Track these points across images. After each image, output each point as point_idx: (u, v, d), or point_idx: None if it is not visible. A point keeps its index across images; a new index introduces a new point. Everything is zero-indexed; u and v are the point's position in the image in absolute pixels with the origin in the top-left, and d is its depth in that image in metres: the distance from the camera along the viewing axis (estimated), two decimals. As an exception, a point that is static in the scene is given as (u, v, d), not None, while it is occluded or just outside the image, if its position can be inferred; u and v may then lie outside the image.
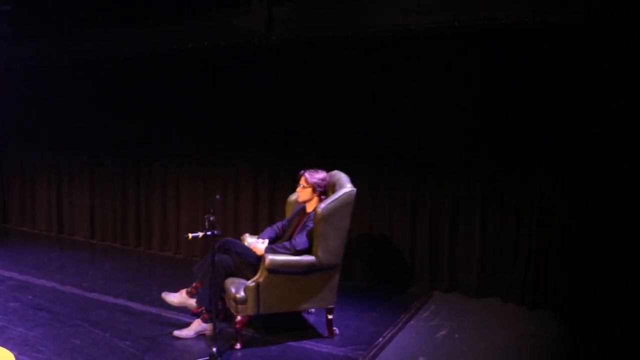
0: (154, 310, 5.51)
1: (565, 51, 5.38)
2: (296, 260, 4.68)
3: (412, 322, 5.33)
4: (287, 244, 4.80)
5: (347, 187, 4.83)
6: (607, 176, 5.20)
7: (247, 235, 5.47)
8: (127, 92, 7.98)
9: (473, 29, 5.63)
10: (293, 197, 5.49)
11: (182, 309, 5.27)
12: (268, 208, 6.99)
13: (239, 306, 4.63)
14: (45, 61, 8.44)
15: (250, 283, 4.63)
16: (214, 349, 4.32)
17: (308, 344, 4.79)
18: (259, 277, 4.63)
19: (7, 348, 3.82)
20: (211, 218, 4.32)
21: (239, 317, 4.66)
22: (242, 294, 4.61)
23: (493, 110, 5.77)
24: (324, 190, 5.02)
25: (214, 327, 4.51)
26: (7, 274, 6.64)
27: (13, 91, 9.12)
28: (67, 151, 8.70)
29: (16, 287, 6.16)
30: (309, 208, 5.04)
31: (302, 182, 5.01)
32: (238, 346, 4.67)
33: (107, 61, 7.94)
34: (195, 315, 5.10)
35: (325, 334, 4.96)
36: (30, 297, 5.84)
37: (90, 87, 8.31)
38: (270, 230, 5.32)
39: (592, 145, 5.26)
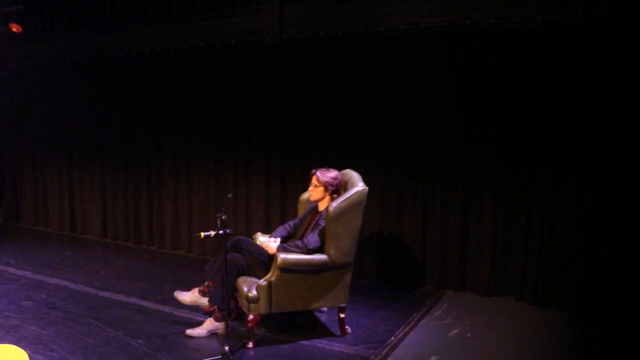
0: (166, 309, 5.53)
1: (576, 49, 5.35)
2: (308, 259, 4.68)
3: (424, 321, 5.32)
4: (299, 242, 4.80)
5: (359, 185, 4.83)
6: (619, 175, 5.16)
7: (259, 234, 5.48)
8: (137, 91, 8.00)
9: (485, 27, 5.59)
10: (305, 195, 5.49)
11: (195, 308, 5.30)
12: (280, 207, 7.00)
13: (251, 305, 4.63)
14: (56, 60, 8.47)
15: (262, 282, 4.63)
16: (226, 348, 4.33)
17: (320, 343, 4.80)
18: (271, 275, 4.64)
19: (21, 347, 3.83)
20: (223, 217, 4.32)
21: (251, 316, 4.67)
22: (254, 292, 4.62)
23: (503, 110, 5.75)
24: (335, 189, 5.02)
25: (226, 326, 4.50)
26: (20, 272, 6.69)
27: (25, 90, 9.18)
28: (79, 150, 8.74)
29: (29, 286, 6.20)
30: (321, 207, 5.03)
31: (314, 181, 5.01)
32: (250, 345, 4.68)
33: (118, 60, 7.95)
34: (208, 314, 5.12)
35: (337, 332, 4.96)
36: (43, 296, 5.88)
37: (101, 86, 8.35)
38: (282, 229, 5.32)
39: (602, 144, 5.22)
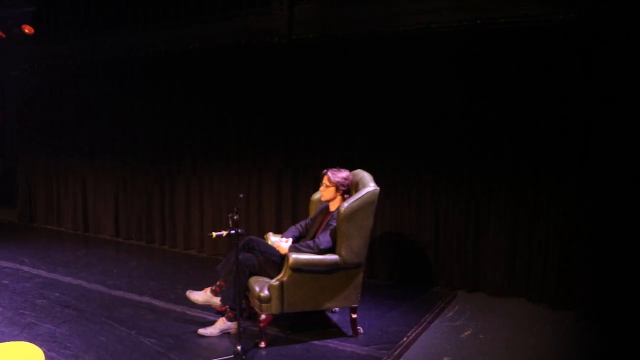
0: (178, 308, 5.55)
1: (589, 49, 5.32)
2: (320, 259, 4.68)
3: (436, 322, 5.30)
4: (310, 242, 4.80)
5: (370, 186, 4.82)
6: (631, 175, 5.13)
7: (270, 234, 5.47)
8: (149, 91, 8.04)
9: (496, 27, 5.59)
10: (316, 196, 5.49)
11: (207, 307, 5.31)
12: (291, 207, 7.00)
13: (263, 305, 4.64)
14: (68, 61, 8.57)
15: (274, 282, 4.63)
16: (238, 347, 4.33)
17: (332, 343, 4.79)
18: (283, 275, 4.64)
19: (36, 344, 3.86)
20: (235, 217, 4.33)
21: (263, 316, 4.67)
22: (266, 292, 4.62)
23: (516, 109, 5.71)
24: (347, 189, 5.01)
25: (238, 326, 4.52)
26: (34, 271, 6.74)
27: (37, 91, 9.26)
28: (92, 150, 8.80)
29: (43, 284, 6.25)
30: (332, 207, 5.03)
31: (325, 181, 5.00)
32: (262, 344, 4.68)
33: (131, 60, 8.01)
34: (220, 313, 5.13)
35: (349, 333, 4.95)
36: (57, 294, 5.92)
37: (113, 87, 8.40)
38: (293, 229, 5.32)
39: (616, 146, 5.19)
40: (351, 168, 5.21)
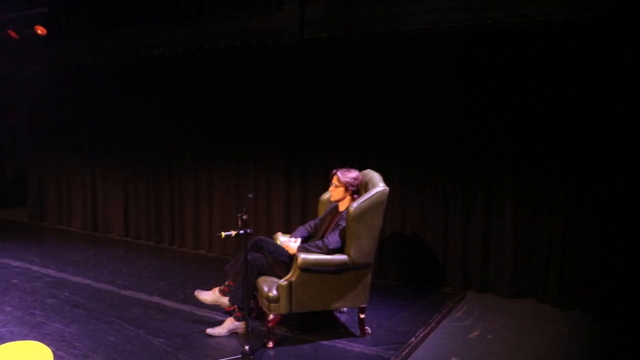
0: (187, 308, 5.56)
1: (589, 49, 5.30)
2: (328, 259, 4.67)
3: (444, 322, 5.29)
4: (319, 243, 4.80)
5: (379, 186, 4.81)
6: (632, 177, 5.10)
7: (279, 234, 5.48)
8: (159, 91, 8.06)
9: (496, 27, 5.59)
10: (325, 196, 5.49)
11: (215, 307, 5.32)
12: (300, 207, 7.00)
13: (272, 305, 4.64)
14: (78, 61, 8.59)
15: (283, 282, 4.63)
16: (247, 347, 4.33)
17: (340, 343, 4.78)
18: (292, 275, 4.64)
19: (45, 343, 3.88)
20: (244, 217, 4.34)
21: (271, 316, 4.67)
22: (274, 292, 4.62)
23: (525, 109, 5.68)
24: (356, 189, 5.00)
25: (247, 326, 4.53)
26: (44, 270, 6.78)
27: (48, 92, 9.31)
28: (101, 150, 8.84)
29: (53, 284, 6.28)
30: (342, 207, 5.02)
31: (335, 181, 5.00)
32: (270, 344, 4.68)
33: (139, 61, 8.04)
34: (228, 313, 5.14)
35: (357, 333, 4.94)
36: (66, 293, 5.95)
37: (122, 87, 8.43)
38: (302, 229, 5.32)
39: (616, 146, 5.17)
40: (361, 168, 5.20)
